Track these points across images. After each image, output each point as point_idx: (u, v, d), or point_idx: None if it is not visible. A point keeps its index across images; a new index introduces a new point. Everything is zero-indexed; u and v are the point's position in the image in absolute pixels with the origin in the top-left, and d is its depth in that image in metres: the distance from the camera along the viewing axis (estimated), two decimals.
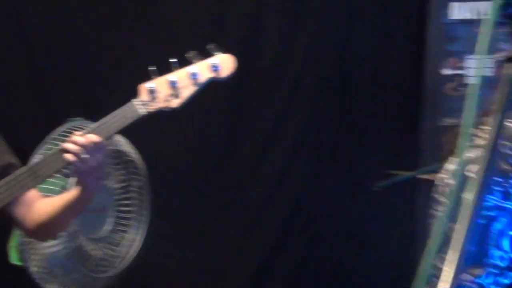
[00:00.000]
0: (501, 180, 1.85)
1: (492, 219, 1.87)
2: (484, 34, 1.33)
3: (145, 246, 3.88)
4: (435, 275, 1.29)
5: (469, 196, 1.24)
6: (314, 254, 4.96)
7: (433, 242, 1.25)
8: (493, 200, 1.86)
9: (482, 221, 1.82)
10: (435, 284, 1.24)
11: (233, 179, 5.00)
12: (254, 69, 4.84)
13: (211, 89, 2.75)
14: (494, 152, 1.32)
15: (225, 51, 2.75)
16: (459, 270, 1.21)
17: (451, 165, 1.88)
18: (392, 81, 5.00)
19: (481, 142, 1.75)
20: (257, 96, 4.94)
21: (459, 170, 1.35)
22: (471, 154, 1.76)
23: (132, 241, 3.83)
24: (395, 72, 5.00)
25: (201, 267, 4.87)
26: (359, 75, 5.01)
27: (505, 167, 1.84)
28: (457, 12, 4.73)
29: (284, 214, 5.01)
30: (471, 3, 4.68)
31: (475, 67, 1.21)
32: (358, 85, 5.00)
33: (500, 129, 1.33)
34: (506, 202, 1.86)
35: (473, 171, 1.71)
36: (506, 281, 1.86)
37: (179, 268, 4.86)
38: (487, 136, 1.29)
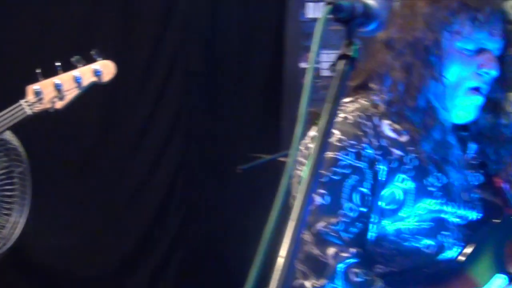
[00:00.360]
0: (355, 143, 1.94)
1: (346, 176, 1.94)
2: (316, 36, 1.40)
3: (27, 229, 3.84)
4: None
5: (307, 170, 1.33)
6: (187, 235, 5.03)
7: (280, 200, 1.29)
8: (348, 159, 1.93)
9: (337, 177, 1.92)
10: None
11: (109, 168, 4.98)
12: (126, 65, 4.82)
13: None
14: (327, 135, 1.38)
15: (102, 53, 2.79)
16: (297, 234, 1.27)
17: (312, 132, 1.98)
18: (256, 74, 5.14)
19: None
20: (131, 89, 4.92)
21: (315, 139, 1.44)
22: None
23: (16, 223, 3.79)
24: (258, 66, 5.14)
25: (79, 248, 4.84)
26: (225, 69, 5.09)
27: (359, 132, 1.95)
28: (312, 11, 4.91)
29: (157, 200, 5.05)
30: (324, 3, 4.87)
31: (310, 63, 1.28)
32: (224, 78, 5.08)
33: (333, 115, 1.40)
34: (358, 162, 1.94)
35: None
36: (355, 229, 1.93)
37: (59, 249, 4.81)
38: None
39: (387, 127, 2.00)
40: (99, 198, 4.90)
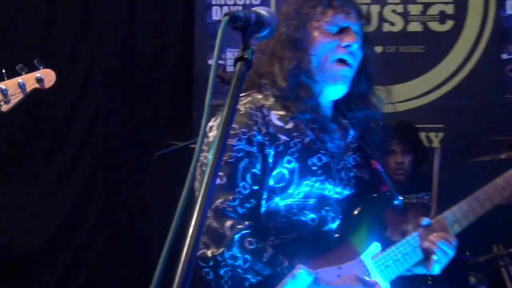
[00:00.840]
0: (246, 130, 2.03)
1: (239, 159, 2.01)
2: (218, 41, 1.48)
3: None
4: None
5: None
6: (109, 219, 5.09)
7: (189, 184, 1.35)
8: (240, 145, 2.01)
9: (231, 160, 2.01)
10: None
11: (37, 159, 5.01)
12: (51, 63, 4.82)
13: None
14: (228, 126, 1.45)
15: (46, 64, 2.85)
16: (203, 211, 1.34)
17: (211, 123, 2.10)
18: (169, 70, 5.30)
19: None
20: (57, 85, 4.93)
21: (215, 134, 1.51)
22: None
23: None
24: (171, 62, 5.30)
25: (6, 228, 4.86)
26: (141, 65, 5.17)
27: (250, 122, 2.05)
28: (217, 14, 5.10)
29: (81, 185, 5.11)
30: (229, 7, 5.06)
31: (213, 62, 1.36)
32: (140, 74, 5.16)
33: (232, 109, 1.48)
34: (249, 147, 2.02)
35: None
36: (248, 205, 2.01)
37: None
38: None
39: (274, 117, 2.09)
40: (28, 184, 4.93)
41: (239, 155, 2.02)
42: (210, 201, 1.81)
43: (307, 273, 1.90)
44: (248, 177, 2.02)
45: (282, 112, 2.10)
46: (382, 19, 5.18)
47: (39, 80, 2.82)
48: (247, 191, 2.02)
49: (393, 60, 5.15)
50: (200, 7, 5.13)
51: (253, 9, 1.62)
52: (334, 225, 2.12)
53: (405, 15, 5.19)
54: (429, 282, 3.84)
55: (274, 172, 2.05)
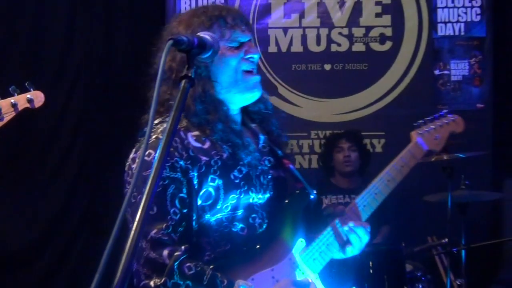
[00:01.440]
0: (168, 158, 1.90)
1: (166, 187, 1.90)
2: (162, 62, 1.46)
3: None
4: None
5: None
6: (90, 223, 5.05)
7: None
8: (165, 173, 1.90)
9: (159, 189, 1.88)
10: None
11: (24, 164, 5.01)
12: (37, 78, 4.85)
13: None
14: (171, 136, 1.43)
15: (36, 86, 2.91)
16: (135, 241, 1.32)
17: (132, 154, 2.01)
18: (145, 84, 5.19)
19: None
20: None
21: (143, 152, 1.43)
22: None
23: None
24: (147, 78, 5.21)
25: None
26: (120, 80, 5.12)
27: (170, 149, 1.75)
28: None
29: (66, 188, 5.09)
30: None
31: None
32: (119, 88, 5.12)
33: (176, 120, 1.45)
34: (173, 173, 1.91)
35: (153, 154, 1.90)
36: (181, 229, 1.91)
37: None
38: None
39: (191, 139, 1.99)
40: (19, 187, 4.93)
41: (165, 183, 1.91)
42: (145, 234, 1.85)
43: None
44: (176, 202, 1.92)
45: (197, 132, 2.01)
46: (330, 41, 5.27)
47: (30, 101, 2.89)
48: (177, 216, 1.91)
49: (340, 76, 5.28)
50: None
51: (198, 33, 1.66)
52: (262, 229, 2.05)
53: (350, 37, 5.27)
54: (370, 271, 3.92)
55: (201, 193, 1.96)
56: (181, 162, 1.93)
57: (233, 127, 2.04)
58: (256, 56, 2.09)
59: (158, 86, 1.46)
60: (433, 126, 2.37)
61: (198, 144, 1.98)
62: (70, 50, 5.09)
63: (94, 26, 5.13)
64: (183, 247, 1.88)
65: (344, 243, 2.10)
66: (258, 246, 2.01)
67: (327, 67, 5.27)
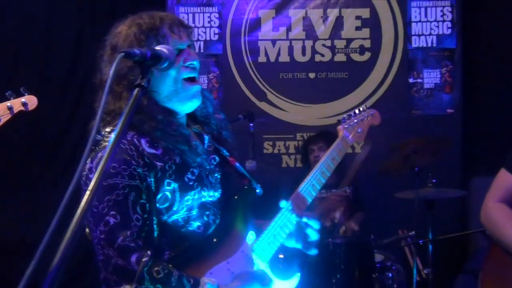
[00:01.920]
0: (125, 167, 1.81)
1: (127, 195, 1.80)
2: (112, 73, 1.43)
3: None
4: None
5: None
6: None
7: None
8: (124, 182, 1.81)
9: (120, 198, 1.80)
10: None
11: (36, 164, 5.02)
12: (46, 86, 4.89)
13: None
14: (121, 137, 1.39)
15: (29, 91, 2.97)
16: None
17: (90, 164, 1.86)
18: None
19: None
20: (52, 98, 4.96)
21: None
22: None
23: None
24: None
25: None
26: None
27: (127, 157, 1.82)
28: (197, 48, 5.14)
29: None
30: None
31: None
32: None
33: (125, 125, 1.42)
34: (132, 181, 1.82)
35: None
36: (144, 234, 1.82)
37: None
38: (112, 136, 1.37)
39: (145, 145, 1.88)
40: (28, 190, 4.93)
41: (126, 191, 1.80)
42: (112, 242, 1.75)
43: (211, 286, 1.81)
44: (138, 209, 1.81)
45: (149, 138, 1.89)
46: (314, 51, 5.31)
47: (24, 104, 2.95)
48: (140, 222, 1.81)
49: (323, 84, 5.32)
50: None
51: (156, 47, 1.65)
52: (215, 225, 1.98)
53: (332, 48, 5.31)
54: (342, 262, 3.94)
55: (158, 196, 1.87)
56: (139, 170, 1.83)
57: (181, 131, 1.94)
58: (195, 62, 1.95)
59: (105, 96, 1.45)
60: (355, 120, 2.38)
61: (152, 150, 1.88)
62: (77, 59, 5.07)
63: (101, 34, 5.15)
64: (148, 252, 1.79)
65: (293, 232, 2.05)
66: (215, 240, 1.96)
67: (312, 75, 5.33)
